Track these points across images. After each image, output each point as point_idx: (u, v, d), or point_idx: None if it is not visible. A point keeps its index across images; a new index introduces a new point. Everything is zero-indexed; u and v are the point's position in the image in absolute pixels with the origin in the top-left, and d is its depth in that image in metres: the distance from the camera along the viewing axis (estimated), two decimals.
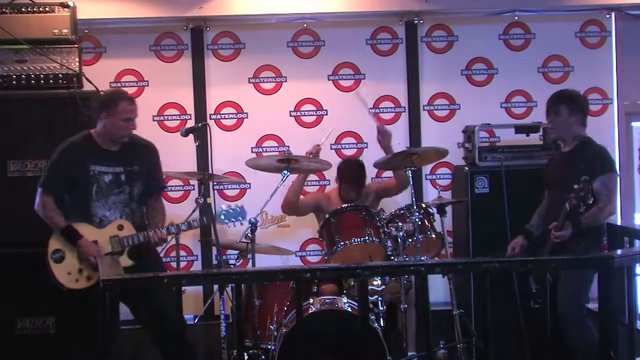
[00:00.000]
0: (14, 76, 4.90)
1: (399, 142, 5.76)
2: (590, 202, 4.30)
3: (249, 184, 5.84)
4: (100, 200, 4.40)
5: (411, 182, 4.82)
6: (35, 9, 4.92)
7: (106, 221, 4.41)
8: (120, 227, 4.39)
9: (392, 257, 4.73)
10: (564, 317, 4.52)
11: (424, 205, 4.96)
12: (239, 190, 5.88)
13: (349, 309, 4.49)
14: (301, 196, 5.43)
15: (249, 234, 4.64)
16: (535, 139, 5.62)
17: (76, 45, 5.00)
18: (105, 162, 4.42)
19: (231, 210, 4.51)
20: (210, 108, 5.85)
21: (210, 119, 5.82)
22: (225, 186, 5.81)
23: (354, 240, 4.69)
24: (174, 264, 5.28)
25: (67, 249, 4.35)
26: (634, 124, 6.10)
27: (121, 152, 4.45)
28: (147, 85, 5.84)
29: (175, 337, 4.33)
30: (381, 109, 5.97)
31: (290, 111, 5.93)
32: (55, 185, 4.39)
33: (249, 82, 5.89)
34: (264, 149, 5.89)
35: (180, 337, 4.41)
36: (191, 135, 4.61)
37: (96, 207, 4.40)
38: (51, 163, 4.47)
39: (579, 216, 4.39)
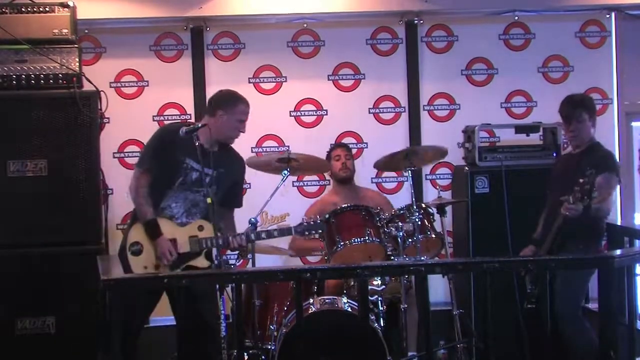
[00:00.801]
0: (14, 76, 4.89)
1: (399, 142, 5.80)
2: (595, 196, 4.31)
3: (249, 184, 5.83)
4: (177, 192, 4.36)
5: (411, 182, 4.84)
6: (35, 9, 4.92)
7: (167, 211, 4.35)
8: (201, 228, 4.34)
9: (392, 257, 4.72)
10: (561, 318, 4.53)
11: (424, 205, 4.96)
12: None
13: (349, 309, 4.49)
14: None
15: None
16: (535, 139, 5.63)
17: (76, 45, 5.00)
18: (198, 159, 4.30)
19: (312, 223, 4.49)
20: None
21: None
22: None
23: (354, 240, 4.69)
24: None
25: (146, 242, 4.29)
26: (634, 124, 6.10)
27: (216, 156, 4.37)
28: (147, 85, 5.84)
29: (204, 338, 4.33)
30: (381, 109, 5.97)
31: (290, 111, 5.93)
32: (153, 164, 4.35)
33: (249, 82, 5.89)
34: (264, 149, 5.89)
35: (206, 341, 4.38)
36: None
37: (169, 196, 4.36)
38: (151, 141, 4.45)
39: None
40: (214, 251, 4.25)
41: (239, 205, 4.67)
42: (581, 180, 4.26)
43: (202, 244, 4.29)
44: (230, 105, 4.43)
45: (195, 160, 4.30)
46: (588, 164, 4.54)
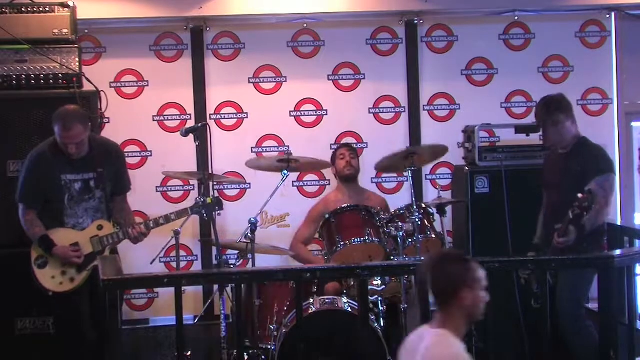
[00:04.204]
0: (14, 76, 4.90)
1: (399, 142, 5.80)
2: (595, 207, 4.29)
3: (249, 184, 5.84)
4: (73, 208, 4.50)
5: (411, 182, 4.84)
6: (35, 9, 4.92)
7: (79, 227, 4.49)
8: (100, 227, 4.49)
9: (392, 257, 4.72)
10: (563, 318, 4.52)
11: (424, 205, 4.96)
12: (239, 190, 5.88)
13: (349, 309, 4.49)
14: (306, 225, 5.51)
15: (249, 234, 4.64)
16: (535, 139, 5.61)
17: (76, 45, 5.01)
18: (74, 169, 4.49)
19: (207, 203, 4.52)
20: (210, 108, 5.84)
21: (210, 119, 5.82)
22: (225, 186, 5.81)
23: (354, 240, 4.69)
24: (174, 264, 5.29)
25: (49, 254, 4.43)
26: (634, 124, 6.10)
27: (88, 158, 4.51)
28: (147, 85, 5.83)
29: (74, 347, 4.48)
30: (381, 109, 5.97)
31: (290, 111, 5.92)
32: (34, 199, 4.49)
33: (249, 82, 5.89)
34: (264, 149, 5.89)
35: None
36: (191, 135, 4.61)
37: (69, 215, 4.49)
38: (23, 176, 4.53)
39: (581, 221, 4.38)
40: (214, 251, 4.26)
41: (129, 187, 4.77)
42: (580, 196, 4.22)
43: (103, 242, 4.46)
44: (54, 126, 4.43)
45: (69, 172, 4.46)
46: (577, 161, 4.53)
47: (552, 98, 4.75)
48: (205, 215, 4.50)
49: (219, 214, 4.47)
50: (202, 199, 4.51)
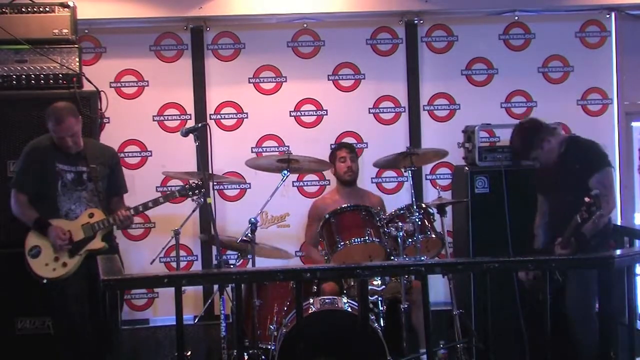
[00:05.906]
0: (14, 76, 4.90)
1: (399, 142, 5.80)
2: (596, 211, 4.27)
3: (249, 184, 5.84)
4: (66, 195, 4.61)
5: (411, 182, 4.84)
6: (35, 9, 4.93)
7: (72, 214, 4.60)
8: (91, 215, 4.61)
9: (392, 257, 4.72)
10: (572, 318, 4.51)
11: (424, 205, 4.96)
12: (239, 190, 5.88)
13: (349, 309, 4.50)
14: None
15: (249, 234, 4.64)
16: None
17: (76, 45, 5.01)
18: (68, 161, 4.62)
19: (194, 185, 4.69)
20: (210, 108, 5.84)
21: (210, 119, 5.82)
22: (225, 186, 5.81)
23: (354, 240, 4.69)
24: (174, 264, 5.30)
25: (42, 243, 4.53)
26: (634, 124, 6.10)
27: (82, 154, 4.63)
28: (147, 85, 5.83)
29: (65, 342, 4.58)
30: (381, 109, 5.97)
31: (290, 111, 5.92)
32: (27, 184, 4.59)
33: (249, 82, 5.89)
34: (264, 149, 5.89)
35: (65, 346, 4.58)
36: (191, 135, 4.61)
37: (62, 201, 4.60)
38: (20, 163, 4.65)
39: (582, 229, 4.37)
40: (214, 251, 4.26)
41: (125, 190, 4.90)
42: (587, 200, 4.20)
43: (94, 227, 4.58)
44: (48, 122, 4.56)
45: (63, 163, 4.59)
46: (574, 160, 4.53)
47: (520, 138, 4.75)
48: (192, 197, 4.68)
49: (203, 200, 4.65)
50: (190, 184, 4.68)
